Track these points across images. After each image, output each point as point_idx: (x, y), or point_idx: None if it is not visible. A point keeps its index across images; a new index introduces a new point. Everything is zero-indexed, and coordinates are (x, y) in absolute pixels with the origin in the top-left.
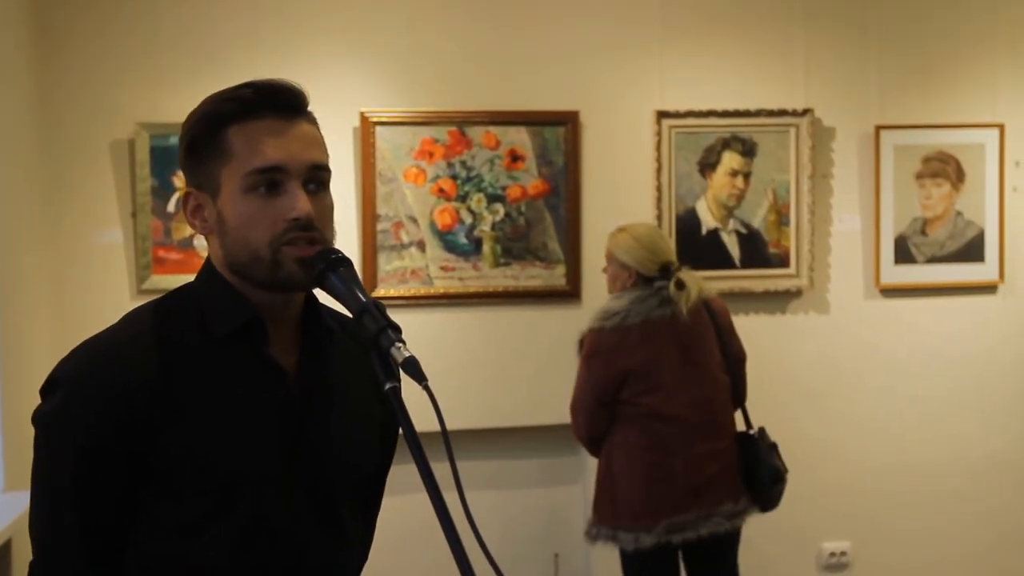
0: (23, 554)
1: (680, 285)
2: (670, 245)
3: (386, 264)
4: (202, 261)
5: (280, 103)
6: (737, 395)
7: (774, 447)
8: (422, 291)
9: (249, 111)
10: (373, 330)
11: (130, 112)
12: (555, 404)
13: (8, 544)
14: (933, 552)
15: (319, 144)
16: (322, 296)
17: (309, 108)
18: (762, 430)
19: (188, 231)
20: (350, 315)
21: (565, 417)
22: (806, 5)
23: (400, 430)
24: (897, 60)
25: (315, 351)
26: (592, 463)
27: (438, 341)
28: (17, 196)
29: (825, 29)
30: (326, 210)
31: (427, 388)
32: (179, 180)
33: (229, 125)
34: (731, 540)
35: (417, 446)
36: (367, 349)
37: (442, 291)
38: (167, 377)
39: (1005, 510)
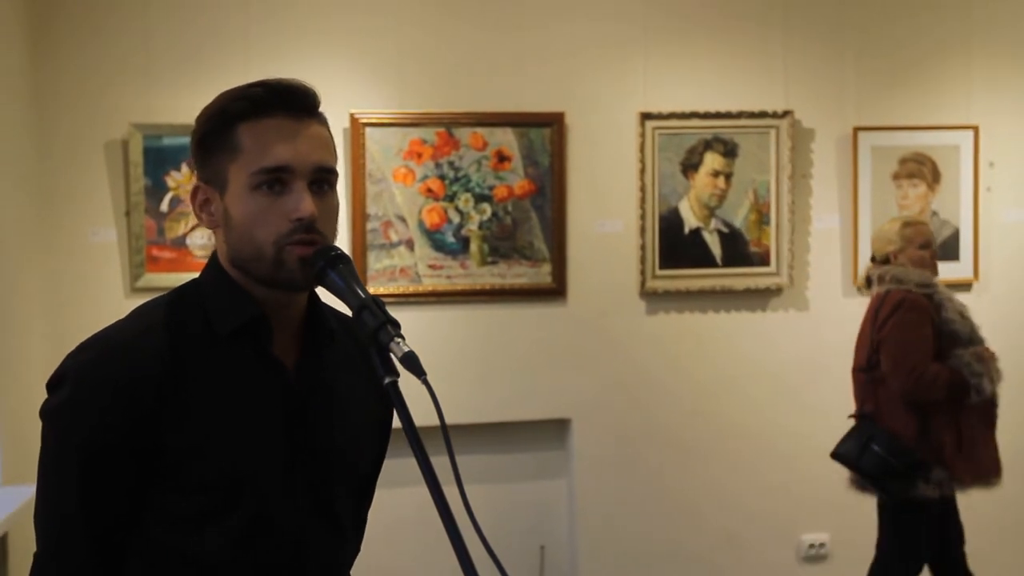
0: (20, 548)
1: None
2: (881, 244)
3: (375, 262)
4: (195, 259)
5: (291, 103)
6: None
7: (859, 431)
8: (411, 289)
9: (260, 109)
10: (372, 326)
11: (124, 113)
12: (541, 400)
13: (5, 538)
14: None
15: (328, 146)
16: (324, 294)
17: (320, 109)
18: (858, 415)
19: (181, 229)
20: (350, 312)
21: (551, 412)
22: (785, 10)
23: (395, 426)
24: (874, 63)
25: (315, 350)
26: (577, 456)
27: (426, 338)
28: (12, 196)
29: (804, 33)
30: (330, 211)
31: (426, 382)
32: (172, 180)
33: (239, 122)
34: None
35: (416, 440)
36: (366, 344)
37: (430, 289)
38: (175, 372)
39: (977, 498)
